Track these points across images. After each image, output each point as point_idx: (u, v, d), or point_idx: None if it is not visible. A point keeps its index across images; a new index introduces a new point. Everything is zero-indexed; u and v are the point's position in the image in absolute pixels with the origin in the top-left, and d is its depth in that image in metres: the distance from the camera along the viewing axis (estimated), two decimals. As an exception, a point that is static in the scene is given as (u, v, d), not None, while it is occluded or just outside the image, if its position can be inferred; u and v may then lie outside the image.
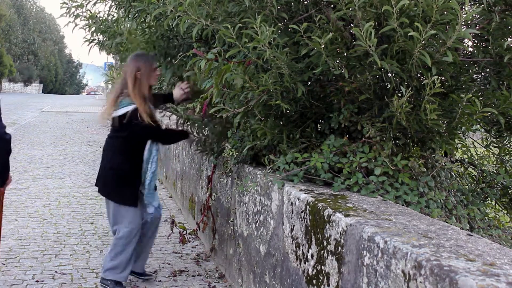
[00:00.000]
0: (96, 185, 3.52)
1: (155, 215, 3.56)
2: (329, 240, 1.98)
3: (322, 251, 2.05)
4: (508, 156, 3.35)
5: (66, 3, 4.11)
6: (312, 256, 2.16)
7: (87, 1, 4.21)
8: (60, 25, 71.75)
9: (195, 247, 4.50)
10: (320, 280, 2.07)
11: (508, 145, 3.37)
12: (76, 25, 4.22)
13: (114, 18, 4.27)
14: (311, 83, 2.79)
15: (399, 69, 2.24)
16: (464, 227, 2.50)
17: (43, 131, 13.38)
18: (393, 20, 2.04)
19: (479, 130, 3.28)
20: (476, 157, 3.40)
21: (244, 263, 3.25)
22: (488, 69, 2.58)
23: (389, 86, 2.51)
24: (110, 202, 3.42)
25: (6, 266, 3.82)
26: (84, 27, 4.28)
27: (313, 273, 2.14)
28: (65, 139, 11.97)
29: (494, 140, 3.23)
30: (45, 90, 60.40)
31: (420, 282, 1.36)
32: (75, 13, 4.16)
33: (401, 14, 2.07)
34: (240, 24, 2.40)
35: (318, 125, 2.97)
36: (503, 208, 3.30)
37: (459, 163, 3.21)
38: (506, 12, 2.40)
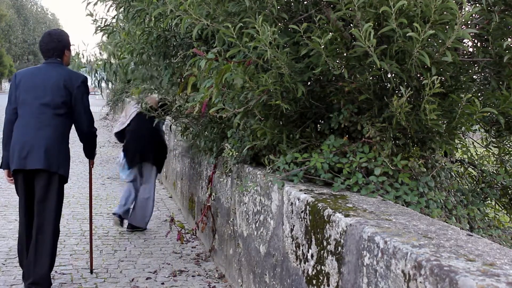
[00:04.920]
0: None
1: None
2: (329, 240, 1.99)
3: (322, 251, 2.05)
4: (507, 156, 3.35)
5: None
6: (312, 256, 2.16)
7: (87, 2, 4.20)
8: (61, 25, 71.76)
9: (195, 247, 4.50)
10: (320, 280, 2.07)
11: (508, 145, 3.37)
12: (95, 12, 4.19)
13: (113, 17, 4.27)
14: (311, 83, 2.79)
15: (398, 69, 2.24)
16: (464, 227, 2.50)
17: (43, 131, 13.34)
18: (392, 21, 2.04)
19: (479, 130, 3.27)
20: (476, 157, 3.40)
21: (244, 263, 3.25)
22: (488, 69, 2.58)
23: (388, 86, 2.51)
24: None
25: (6, 266, 3.82)
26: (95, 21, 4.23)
27: (313, 273, 2.14)
28: (65, 139, 11.94)
29: (494, 140, 3.23)
30: (45, 90, 60.24)
31: (420, 282, 1.36)
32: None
33: (400, 14, 2.07)
34: (241, 24, 2.40)
35: (318, 125, 2.97)
36: (503, 208, 3.30)
37: (459, 163, 3.21)
38: (506, 12, 2.40)
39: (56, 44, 3.34)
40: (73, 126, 3.42)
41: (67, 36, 3.43)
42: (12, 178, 3.27)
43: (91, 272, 3.75)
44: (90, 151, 3.67)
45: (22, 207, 3.27)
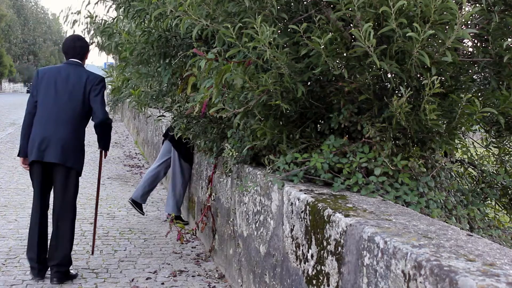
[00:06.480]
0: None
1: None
2: (329, 240, 1.99)
3: (322, 251, 2.05)
4: (508, 156, 3.35)
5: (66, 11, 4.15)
6: (312, 256, 2.16)
7: (88, 3, 4.21)
8: (62, 25, 72.04)
9: (195, 247, 4.50)
10: (320, 280, 2.07)
11: (508, 145, 3.37)
12: (75, 22, 4.26)
13: (113, 18, 4.27)
14: (311, 83, 2.79)
15: (398, 70, 2.24)
16: (464, 227, 2.50)
17: (43, 131, 13.33)
18: (392, 21, 2.04)
19: (479, 130, 3.27)
20: (476, 157, 3.40)
21: (244, 263, 3.25)
22: (488, 69, 2.58)
23: (388, 86, 2.51)
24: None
25: (6, 266, 3.82)
26: (83, 31, 4.31)
27: (313, 273, 2.14)
28: (65, 139, 11.93)
29: (494, 140, 3.23)
30: (45, 90, 60.44)
31: (420, 282, 1.36)
32: (74, 19, 4.20)
33: (400, 14, 2.07)
34: (241, 24, 2.40)
35: (318, 125, 2.96)
36: (503, 208, 3.29)
37: (459, 163, 3.20)
38: (506, 12, 2.40)
39: (80, 49, 3.77)
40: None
41: (88, 43, 3.93)
42: (27, 165, 3.61)
43: (92, 253, 4.14)
44: (106, 141, 3.90)
45: (37, 196, 3.59)
